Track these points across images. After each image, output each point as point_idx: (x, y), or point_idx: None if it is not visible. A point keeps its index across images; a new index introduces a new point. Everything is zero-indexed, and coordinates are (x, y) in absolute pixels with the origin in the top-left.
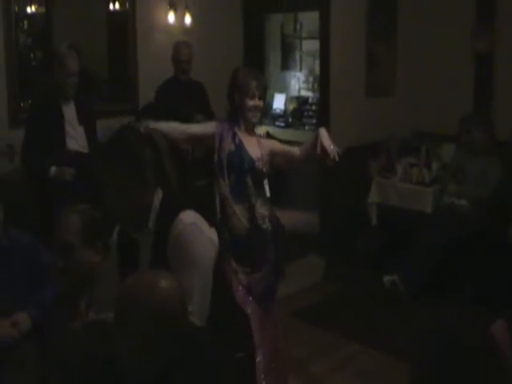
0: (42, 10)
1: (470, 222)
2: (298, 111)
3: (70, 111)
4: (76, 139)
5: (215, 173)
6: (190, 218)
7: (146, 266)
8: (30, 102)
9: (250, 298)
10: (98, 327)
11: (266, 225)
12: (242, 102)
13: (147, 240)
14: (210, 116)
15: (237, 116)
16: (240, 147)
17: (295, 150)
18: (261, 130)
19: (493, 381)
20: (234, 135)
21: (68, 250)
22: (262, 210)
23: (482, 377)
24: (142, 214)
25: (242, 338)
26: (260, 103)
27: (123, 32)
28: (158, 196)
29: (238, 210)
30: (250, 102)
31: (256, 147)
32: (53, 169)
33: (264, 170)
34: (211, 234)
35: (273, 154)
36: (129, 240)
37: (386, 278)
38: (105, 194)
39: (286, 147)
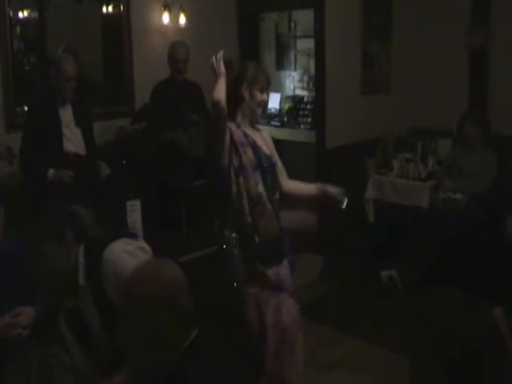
0: (35, 14)
1: (467, 216)
2: (293, 110)
3: (67, 114)
4: (73, 141)
5: (236, 174)
6: (111, 252)
7: (98, 324)
8: (25, 106)
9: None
10: None
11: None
12: (252, 95)
13: (86, 300)
14: (206, 116)
15: (242, 111)
16: (255, 146)
17: (287, 183)
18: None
19: (498, 362)
20: (246, 135)
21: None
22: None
23: (488, 358)
24: (70, 275)
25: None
26: (267, 98)
27: (118, 34)
28: (80, 251)
29: (270, 209)
30: (260, 96)
31: (264, 143)
32: (51, 171)
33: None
34: (135, 246)
35: None
36: (95, 265)
37: (384, 273)
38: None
39: (283, 170)
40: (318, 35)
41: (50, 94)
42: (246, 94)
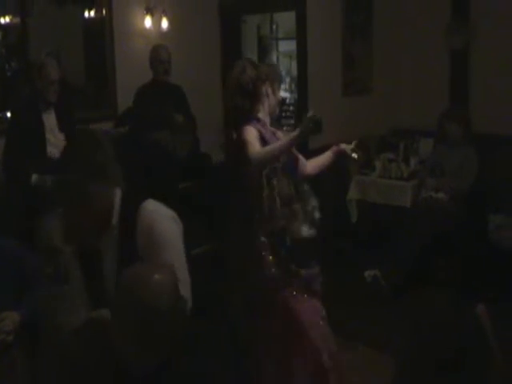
0: (17, 20)
1: (449, 215)
2: None
3: (50, 119)
4: (57, 146)
5: (269, 177)
6: (150, 205)
7: (113, 267)
8: (8, 112)
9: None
10: (98, 323)
11: (318, 214)
12: (274, 93)
13: (110, 242)
14: (189, 119)
15: (264, 109)
16: None
17: (305, 164)
18: None
19: (482, 360)
20: (274, 133)
21: (54, 254)
22: (312, 202)
23: (472, 356)
24: (106, 213)
25: None
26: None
27: (100, 38)
28: (118, 194)
29: (300, 210)
30: (280, 94)
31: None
32: (34, 176)
33: None
34: (171, 213)
35: None
36: (130, 211)
37: (368, 273)
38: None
39: (303, 158)
40: (300, 37)
41: (33, 99)
42: (270, 91)
